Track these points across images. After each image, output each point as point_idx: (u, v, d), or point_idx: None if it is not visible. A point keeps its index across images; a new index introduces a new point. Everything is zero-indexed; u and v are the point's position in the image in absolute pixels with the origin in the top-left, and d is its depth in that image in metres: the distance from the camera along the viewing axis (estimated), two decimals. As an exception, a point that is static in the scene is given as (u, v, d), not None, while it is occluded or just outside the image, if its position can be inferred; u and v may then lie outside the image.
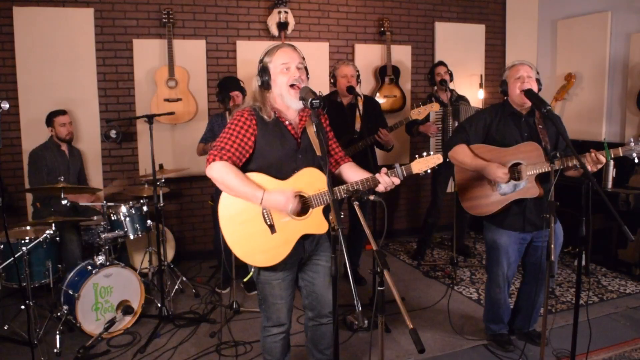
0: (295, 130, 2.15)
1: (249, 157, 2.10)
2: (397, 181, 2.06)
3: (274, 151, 2.09)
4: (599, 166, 2.49)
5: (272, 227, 2.07)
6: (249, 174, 2.06)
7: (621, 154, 2.46)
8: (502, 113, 2.83)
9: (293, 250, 2.11)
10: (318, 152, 2.08)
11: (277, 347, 2.30)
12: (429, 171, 2.10)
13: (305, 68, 2.15)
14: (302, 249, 2.18)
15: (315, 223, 2.11)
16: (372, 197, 1.98)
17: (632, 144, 2.43)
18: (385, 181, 2.04)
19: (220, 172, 1.99)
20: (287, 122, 2.14)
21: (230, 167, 2.00)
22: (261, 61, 2.14)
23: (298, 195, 2.06)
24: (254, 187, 2.00)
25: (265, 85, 2.11)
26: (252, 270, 2.21)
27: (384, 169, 2.07)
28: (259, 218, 2.06)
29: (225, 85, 3.91)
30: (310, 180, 2.08)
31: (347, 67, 3.77)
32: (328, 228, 2.12)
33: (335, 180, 2.25)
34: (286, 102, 2.10)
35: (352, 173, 2.23)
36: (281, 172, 2.09)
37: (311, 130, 2.13)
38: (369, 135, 3.70)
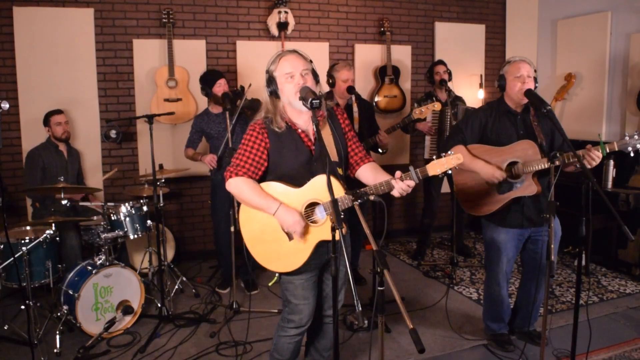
0: (308, 137, 2.15)
1: (265, 169, 2.14)
2: (412, 184, 2.00)
3: (288, 162, 2.11)
4: (594, 164, 2.50)
5: (289, 235, 2.11)
6: (266, 183, 2.12)
7: (616, 148, 2.46)
8: (498, 111, 2.83)
9: (315, 254, 2.13)
10: (333, 157, 2.10)
11: (291, 349, 2.32)
12: (449, 172, 2.01)
13: (313, 71, 2.13)
14: (325, 251, 2.18)
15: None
16: (372, 197, 1.98)
17: (627, 138, 2.44)
18: (400, 187, 2.00)
19: (237, 187, 2.10)
20: (299, 131, 2.14)
21: (245, 182, 2.08)
22: (267, 71, 2.14)
23: (310, 206, 2.10)
24: (270, 200, 2.07)
25: (275, 95, 2.13)
26: (277, 275, 2.25)
27: (398, 172, 2.03)
28: (277, 225, 2.11)
29: (207, 78, 3.89)
30: (325, 187, 2.08)
31: (349, 71, 3.75)
32: (346, 233, 2.14)
33: (355, 182, 2.25)
34: (296, 108, 2.10)
35: (371, 175, 2.21)
36: (297, 180, 2.11)
37: (326, 133, 2.14)
38: (367, 137, 3.70)
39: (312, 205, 2.11)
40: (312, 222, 2.11)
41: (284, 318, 2.30)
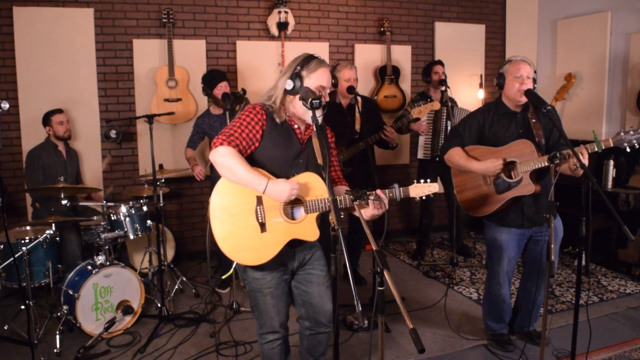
0: (302, 135, 2.15)
1: (251, 151, 2.09)
2: (385, 200, 2.06)
3: (277, 150, 2.09)
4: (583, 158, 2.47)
5: (262, 226, 2.05)
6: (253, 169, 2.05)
7: (612, 145, 2.45)
8: (496, 112, 2.83)
9: (281, 254, 2.08)
10: (320, 162, 2.08)
11: (276, 354, 2.27)
12: (424, 197, 2.14)
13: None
14: (292, 257, 2.17)
15: (307, 229, 2.09)
16: (372, 197, 1.98)
17: (622, 133, 2.43)
18: (372, 211, 2.05)
19: (226, 156, 1.97)
20: (295, 126, 2.14)
21: (236, 153, 1.99)
22: (297, 68, 2.08)
23: (289, 202, 2.07)
24: (259, 176, 2.00)
25: (293, 92, 2.07)
26: (235, 266, 2.19)
27: (379, 191, 2.06)
28: (251, 214, 2.04)
29: (208, 79, 3.91)
30: (310, 186, 2.07)
31: (351, 70, 3.75)
32: (319, 237, 2.12)
33: None
34: (304, 115, 2.08)
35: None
36: (280, 174, 2.08)
37: (316, 142, 2.13)
38: (369, 135, 3.70)
39: (292, 202, 2.08)
40: (290, 218, 2.09)
41: (257, 326, 2.26)
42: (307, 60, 2.10)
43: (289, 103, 2.12)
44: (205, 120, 3.98)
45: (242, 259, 2.07)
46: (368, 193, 2.02)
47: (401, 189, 2.09)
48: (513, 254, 2.90)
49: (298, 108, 2.09)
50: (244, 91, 3.87)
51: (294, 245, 2.13)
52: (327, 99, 2.10)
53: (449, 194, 4.66)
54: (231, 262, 2.12)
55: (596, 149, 2.46)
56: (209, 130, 3.95)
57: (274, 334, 2.24)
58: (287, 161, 2.10)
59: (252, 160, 2.09)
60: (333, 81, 3.83)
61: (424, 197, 2.13)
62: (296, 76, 2.06)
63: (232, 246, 2.05)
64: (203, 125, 3.98)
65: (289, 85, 2.07)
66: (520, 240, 2.89)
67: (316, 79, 2.07)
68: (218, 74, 3.95)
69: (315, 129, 1.89)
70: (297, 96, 2.06)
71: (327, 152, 2.01)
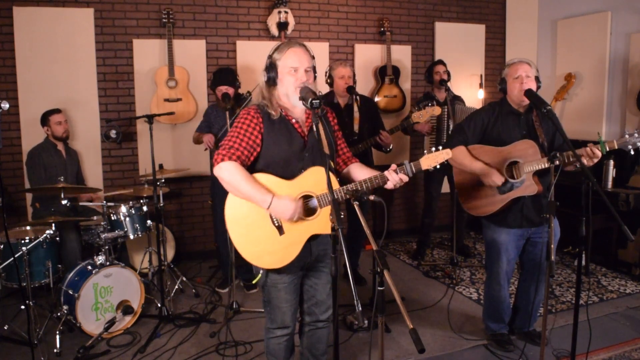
0: (302, 128, 2.13)
1: (254, 157, 2.09)
2: (405, 178, 2.05)
3: (280, 149, 2.07)
4: (595, 160, 2.51)
5: (280, 229, 2.06)
6: (256, 175, 2.04)
7: (616, 147, 2.47)
8: (500, 111, 2.83)
9: (301, 251, 2.10)
10: (326, 150, 2.07)
11: (281, 350, 2.29)
12: (438, 166, 2.08)
13: (314, 68, 2.13)
14: (308, 252, 2.17)
15: (324, 223, 2.10)
16: (372, 197, 1.98)
17: (627, 136, 2.44)
18: (394, 178, 2.03)
19: (229, 173, 1.98)
20: (293, 120, 2.12)
21: (239, 169, 1.98)
22: (270, 57, 2.11)
23: (303, 199, 2.06)
24: (262, 192, 1.99)
25: (271, 82, 2.10)
26: (261, 272, 2.20)
27: (393, 166, 2.05)
28: (267, 219, 2.05)
29: (215, 77, 3.92)
30: (318, 180, 2.06)
31: (345, 68, 3.74)
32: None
33: (342, 180, 2.25)
34: (292, 102, 2.08)
35: (360, 172, 2.21)
36: (287, 171, 2.07)
37: (321, 130, 2.13)
38: (368, 137, 3.69)
39: (304, 198, 2.08)
40: (305, 215, 2.09)
41: (267, 320, 2.28)
42: (279, 46, 2.12)
43: (275, 95, 2.11)
44: (213, 111, 3.98)
45: (265, 263, 2.09)
46: (368, 194, 2.02)
47: (412, 163, 2.04)
48: (512, 255, 2.90)
49: (283, 98, 2.10)
50: (249, 93, 3.86)
51: (310, 240, 2.13)
52: (310, 80, 2.06)
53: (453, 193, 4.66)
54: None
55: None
56: (213, 121, 3.93)
57: (283, 329, 2.25)
58: (292, 158, 2.09)
59: (258, 164, 2.09)
60: (329, 81, 3.84)
61: (437, 167, 2.07)
62: (270, 66, 2.09)
63: (253, 253, 2.07)
64: (210, 115, 3.97)
65: (264, 76, 2.10)
66: (519, 241, 2.89)
67: (285, 61, 2.07)
68: (220, 76, 3.91)
69: (315, 128, 1.89)
70: (277, 86, 2.09)
71: (332, 141, 2.00)
